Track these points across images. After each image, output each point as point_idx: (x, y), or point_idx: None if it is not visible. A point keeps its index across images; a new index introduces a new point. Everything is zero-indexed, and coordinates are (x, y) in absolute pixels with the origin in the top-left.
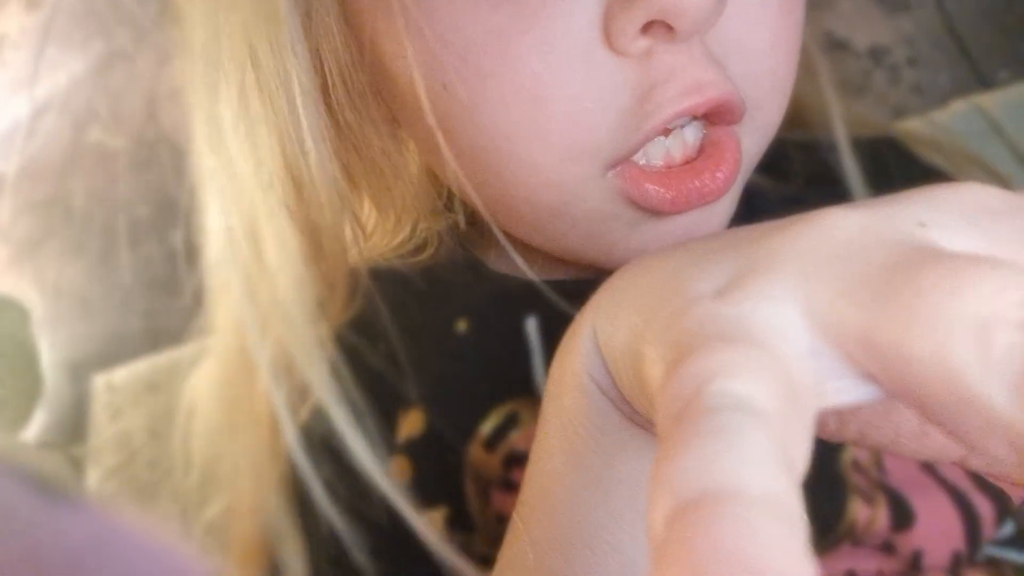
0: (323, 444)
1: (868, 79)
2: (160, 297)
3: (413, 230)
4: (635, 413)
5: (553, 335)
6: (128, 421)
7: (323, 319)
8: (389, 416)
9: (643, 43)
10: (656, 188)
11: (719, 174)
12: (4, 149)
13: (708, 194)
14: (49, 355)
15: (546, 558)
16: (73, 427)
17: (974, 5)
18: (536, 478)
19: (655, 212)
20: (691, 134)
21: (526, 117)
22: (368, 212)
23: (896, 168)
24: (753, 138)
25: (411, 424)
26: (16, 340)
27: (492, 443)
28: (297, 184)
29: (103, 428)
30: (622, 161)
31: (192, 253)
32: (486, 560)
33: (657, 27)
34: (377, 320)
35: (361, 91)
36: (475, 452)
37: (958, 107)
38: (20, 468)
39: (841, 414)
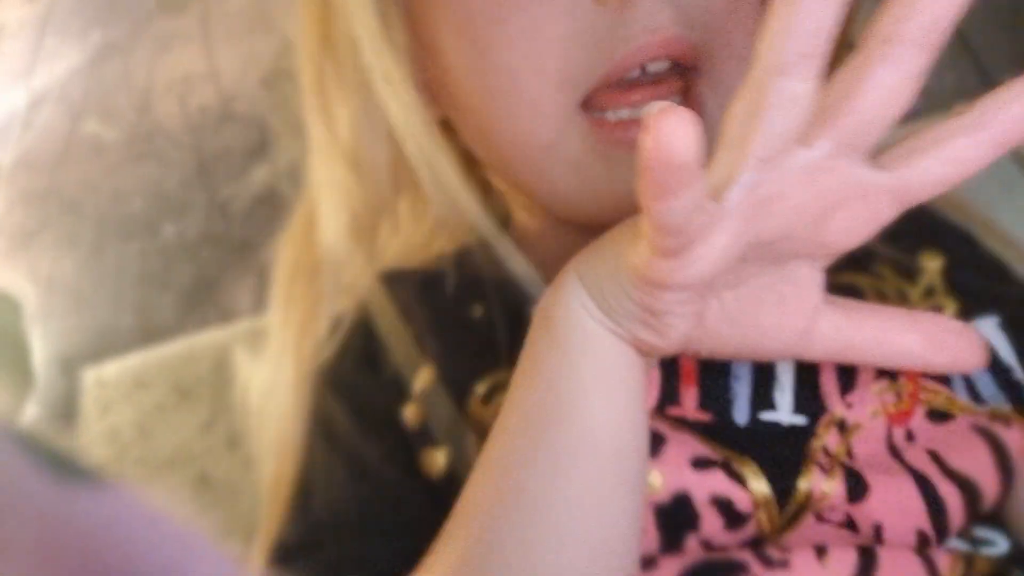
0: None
1: None
2: (152, 292)
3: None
4: (608, 321)
5: None
6: (117, 416)
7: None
8: (409, 368)
9: None
10: (613, 124)
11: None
12: (0, 140)
13: None
14: (41, 348)
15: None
16: (63, 421)
17: (980, 7)
18: (523, 391)
19: (625, 142)
20: (657, 67)
21: (527, 52)
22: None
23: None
24: (715, 100)
25: (423, 379)
26: (8, 333)
27: (488, 399)
28: (356, 163)
29: (93, 423)
30: (600, 90)
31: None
32: None
33: None
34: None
35: (420, 87)
36: (475, 406)
37: (960, 110)
38: (37, 448)
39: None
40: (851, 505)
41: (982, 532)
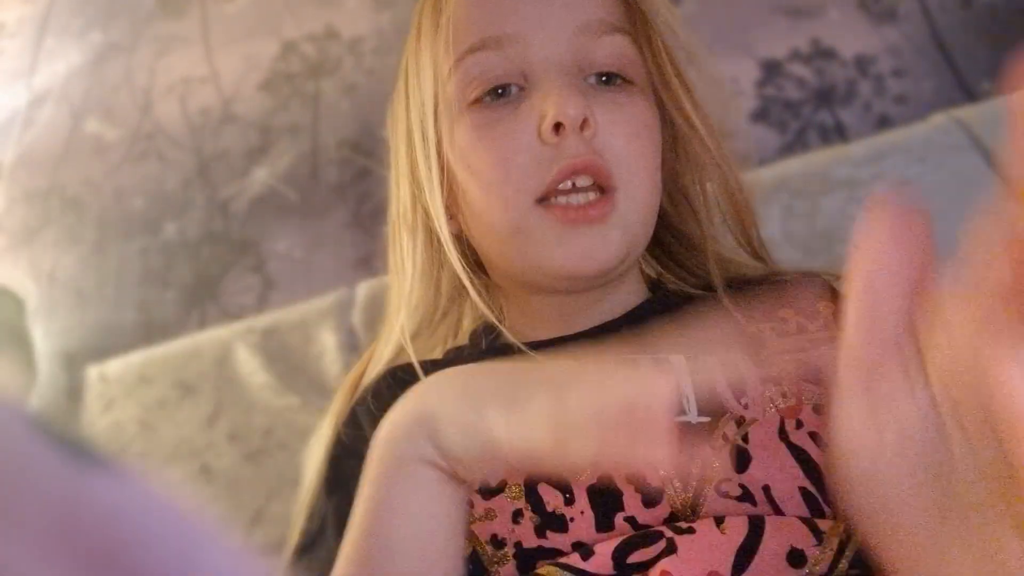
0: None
1: (853, 88)
2: (153, 289)
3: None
4: (447, 468)
5: None
6: (120, 412)
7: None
8: None
9: (555, 138)
10: (564, 209)
11: (593, 211)
12: (1, 138)
13: (592, 217)
14: (43, 344)
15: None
16: (66, 417)
17: (960, 16)
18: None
19: (566, 221)
20: (584, 197)
21: (498, 172)
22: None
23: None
24: (628, 206)
25: None
26: (11, 329)
27: None
28: (408, 228)
29: (95, 419)
30: (544, 196)
31: (189, 247)
32: None
33: (561, 129)
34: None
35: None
36: None
37: (938, 120)
38: (52, 432)
39: None
40: (740, 475)
41: None
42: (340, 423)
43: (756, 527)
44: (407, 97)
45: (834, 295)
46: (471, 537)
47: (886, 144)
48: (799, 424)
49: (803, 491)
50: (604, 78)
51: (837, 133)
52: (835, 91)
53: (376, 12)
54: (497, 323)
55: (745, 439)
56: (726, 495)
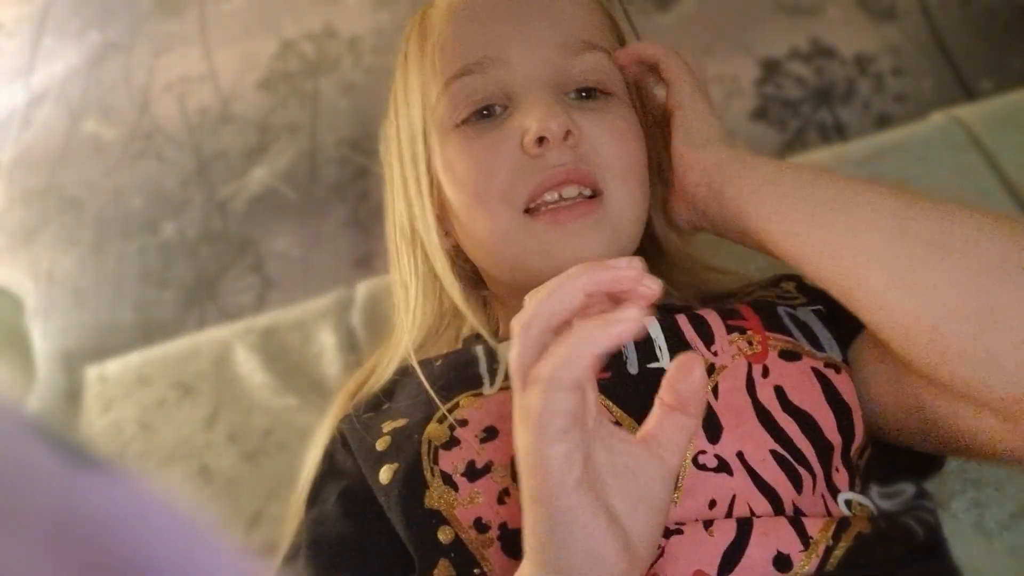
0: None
1: (853, 87)
2: (152, 289)
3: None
4: None
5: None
6: (119, 413)
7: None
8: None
9: (538, 150)
10: (553, 211)
11: (581, 207)
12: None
13: (581, 212)
14: (42, 344)
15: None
16: (64, 417)
17: (960, 15)
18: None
19: (554, 222)
20: (570, 192)
21: (484, 183)
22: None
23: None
24: (615, 207)
25: (392, 424)
26: (10, 329)
27: (442, 418)
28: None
29: (94, 419)
30: (530, 206)
31: (187, 246)
32: (434, 512)
33: (544, 142)
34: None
35: (434, 204)
36: (431, 427)
37: (937, 119)
38: (51, 435)
39: None
40: (714, 446)
41: (892, 487)
42: (328, 441)
43: (744, 530)
44: (397, 120)
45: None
46: (454, 523)
47: (885, 143)
48: (765, 372)
49: (774, 453)
50: (584, 93)
51: (836, 132)
52: (834, 90)
53: (375, 11)
54: (488, 336)
55: (715, 392)
56: (704, 467)
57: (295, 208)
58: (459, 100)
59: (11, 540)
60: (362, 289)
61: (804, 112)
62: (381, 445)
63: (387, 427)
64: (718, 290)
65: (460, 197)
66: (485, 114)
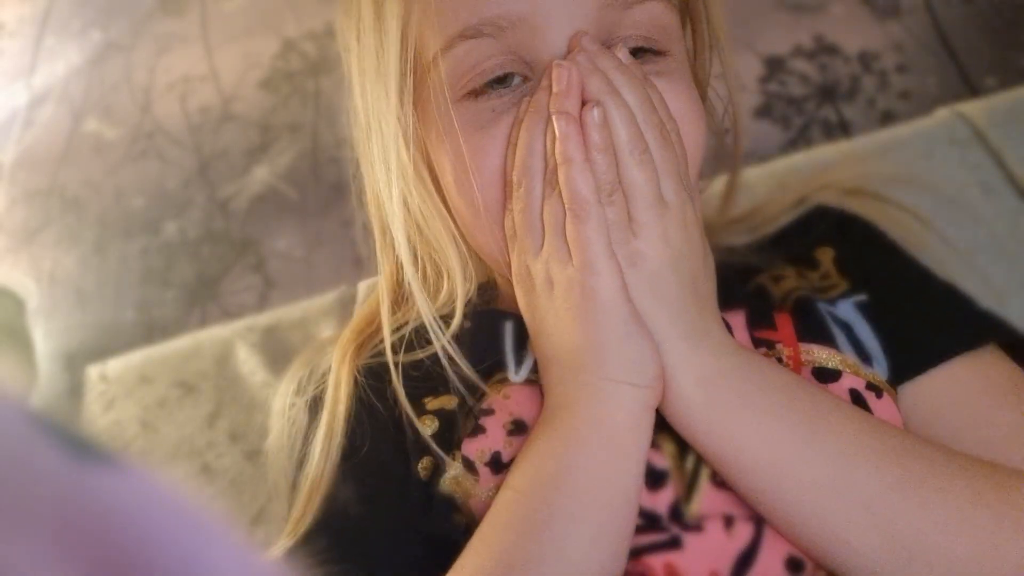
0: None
1: (857, 84)
2: (153, 289)
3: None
4: None
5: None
6: (121, 412)
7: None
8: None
9: None
10: None
11: None
12: (1, 138)
13: None
14: (43, 344)
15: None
16: (66, 416)
17: (963, 12)
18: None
19: None
20: None
21: (476, 162)
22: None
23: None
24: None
25: (442, 401)
26: (12, 329)
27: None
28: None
29: (96, 418)
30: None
31: (189, 246)
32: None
33: None
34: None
35: (432, 184)
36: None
37: (942, 115)
38: (55, 429)
39: None
40: None
41: None
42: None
43: (758, 533)
44: (362, 78)
45: (840, 230)
46: (466, 512)
47: (890, 140)
48: None
49: None
50: (634, 54)
51: (840, 129)
52: (838, 87)
53: None
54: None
55: None
56: (720, 486)
57: (297, 207)
58: (464, 68)
59: (20, 535)
60: (364, 288)
61: (808, 109)
62: (427, 425)
63: (431, 404)
64: (741, 262)
65: (456, 174)
66: (497, 85)
